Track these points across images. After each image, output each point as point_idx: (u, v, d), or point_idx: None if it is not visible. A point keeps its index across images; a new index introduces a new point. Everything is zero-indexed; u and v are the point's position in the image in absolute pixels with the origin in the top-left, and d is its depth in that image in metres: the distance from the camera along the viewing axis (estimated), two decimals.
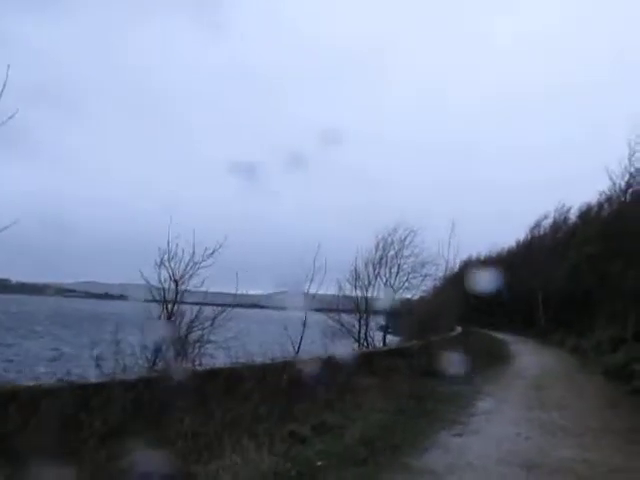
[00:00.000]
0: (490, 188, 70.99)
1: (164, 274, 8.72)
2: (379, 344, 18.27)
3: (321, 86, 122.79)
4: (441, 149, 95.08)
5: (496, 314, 45.98)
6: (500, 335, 35.88)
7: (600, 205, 37.32)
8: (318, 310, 18.12)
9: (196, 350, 8.54)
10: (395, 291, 18.60)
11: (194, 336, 8.78)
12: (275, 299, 14.29)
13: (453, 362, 16.18)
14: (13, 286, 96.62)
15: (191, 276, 9.11)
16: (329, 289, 17.97)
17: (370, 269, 17.94)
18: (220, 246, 9.05)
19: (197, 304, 9.44)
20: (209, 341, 8.36)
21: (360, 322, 17.11)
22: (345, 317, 17.66)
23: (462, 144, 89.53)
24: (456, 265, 26.15)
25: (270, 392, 7.69)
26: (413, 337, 17.72)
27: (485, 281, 21.99)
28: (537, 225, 45.21)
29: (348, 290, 17.29)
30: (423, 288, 18.75)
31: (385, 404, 9.20)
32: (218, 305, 9.26)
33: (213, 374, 7.71)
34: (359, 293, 17.53)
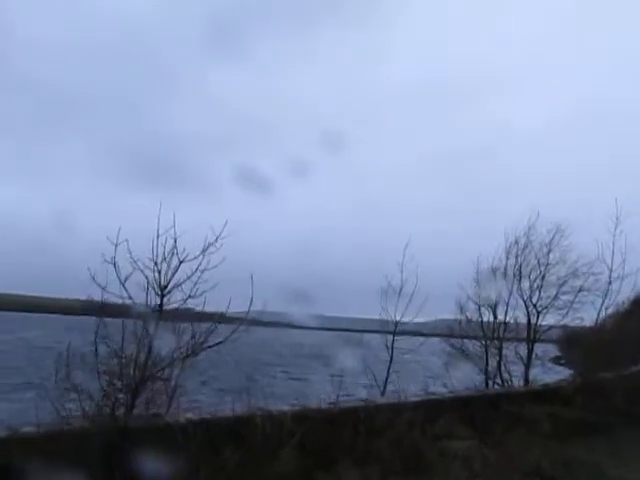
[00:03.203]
0: None
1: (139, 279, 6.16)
2: (519, 381, 13.91)
3: None
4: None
5: None
6: None
7: None
8: (436, 336, 14.63)
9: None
10: (539, 311, 14.08)
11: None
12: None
13: (623, 411, 11.36)
14: None
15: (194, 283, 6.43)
16: (444, 313, 14.37)
17: (501, 282, 13.73)
18: (216, 239, 6.28)
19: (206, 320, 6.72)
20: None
21: (487, 352, 13.00)
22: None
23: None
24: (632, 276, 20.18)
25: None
26: (580, 373, 13.28)
27: None
28: None
29: (470, 312, 13.35)
30: (576, 306, 13.83)
31: None
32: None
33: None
34: (486, 314, 13.45)
